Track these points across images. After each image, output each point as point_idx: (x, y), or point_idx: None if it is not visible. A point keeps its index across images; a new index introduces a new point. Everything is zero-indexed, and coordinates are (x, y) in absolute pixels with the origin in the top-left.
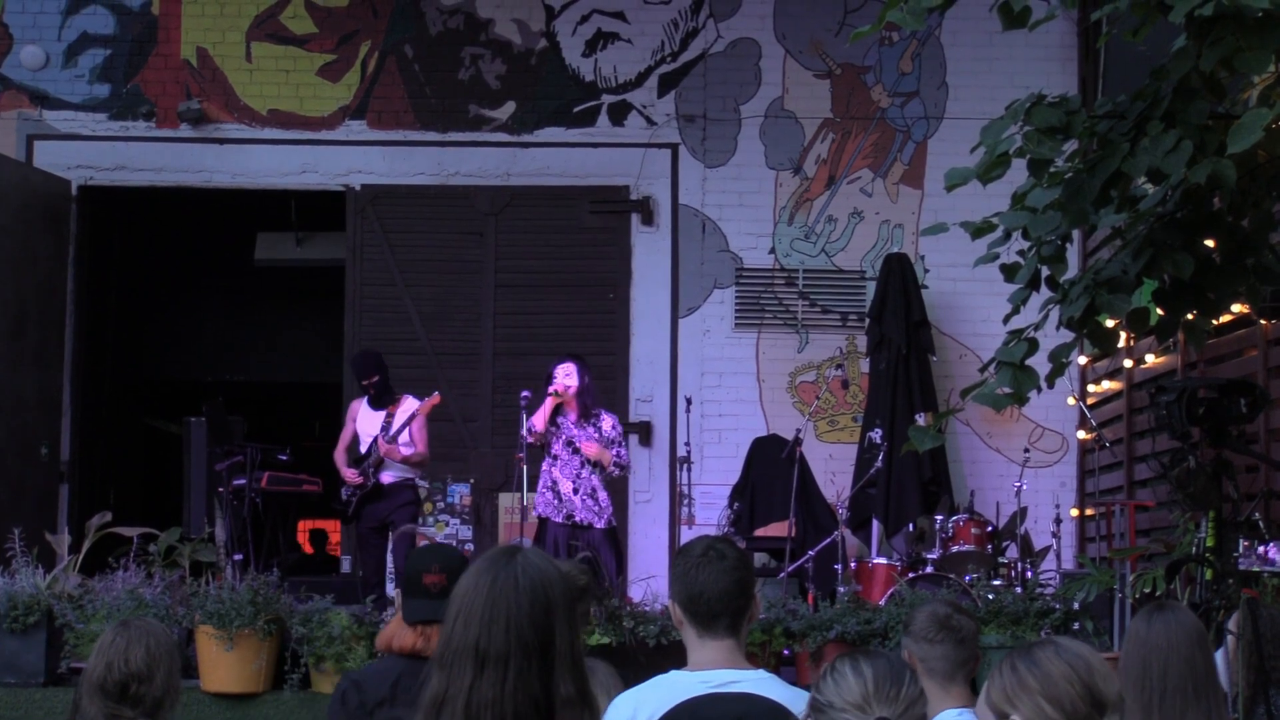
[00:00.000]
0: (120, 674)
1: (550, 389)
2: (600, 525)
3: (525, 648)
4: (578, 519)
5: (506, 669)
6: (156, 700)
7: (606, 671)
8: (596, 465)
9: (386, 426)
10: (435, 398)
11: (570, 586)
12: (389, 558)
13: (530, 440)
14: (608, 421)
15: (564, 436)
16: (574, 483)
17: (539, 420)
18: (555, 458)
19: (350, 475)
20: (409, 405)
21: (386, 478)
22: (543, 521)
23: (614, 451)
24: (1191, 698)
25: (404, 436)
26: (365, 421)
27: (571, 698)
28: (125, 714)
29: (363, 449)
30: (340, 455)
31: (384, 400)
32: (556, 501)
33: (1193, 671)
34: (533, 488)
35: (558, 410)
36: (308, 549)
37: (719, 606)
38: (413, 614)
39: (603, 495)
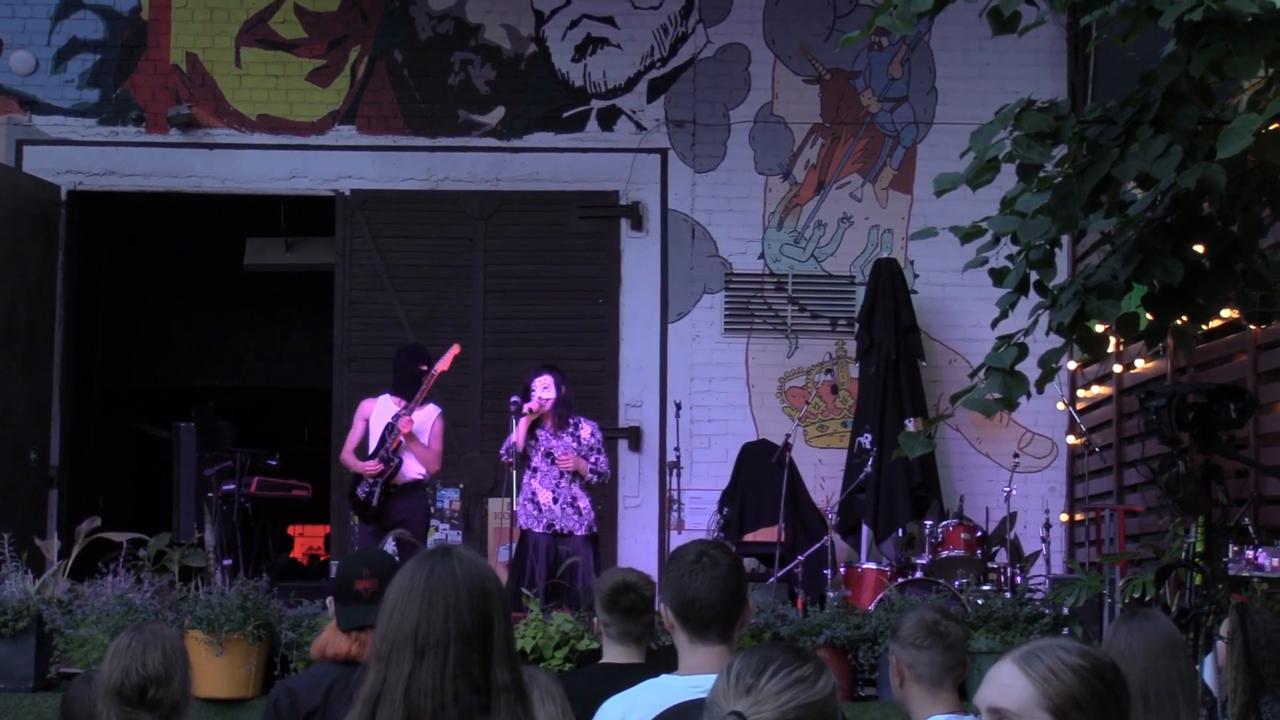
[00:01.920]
0: (139, 677)
1: (526, 407)
2: (581, 532)
3: (464, 635)
4: (558, 527)
5: (446, 655)
6: (174, 703)
7: (548, 679)
8: (575, 474)
9: (398, 415)
10: (455, 348)
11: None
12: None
13: (508, 460)
14: (586, 429)
15: (542, 448)
16: (554, 492)
17: (519, 439)
18: (535, 469)
19: (371, 466)
20: (430, 411)
21: (404, 475)
22: (525, 532)
23: (593, 459)
24: (1155, 705)
25: (415, 422)
26: (383, 417)
27: (508, 685)
28: (143, 718)
29: (372, 448)
30: (349, 456)
31: (414, 390)
32: (536, 512)
33: (1153, 681)
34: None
35: (536, 423)
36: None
37: (711, 613)
38: (348, 620)
39: (584, 503)
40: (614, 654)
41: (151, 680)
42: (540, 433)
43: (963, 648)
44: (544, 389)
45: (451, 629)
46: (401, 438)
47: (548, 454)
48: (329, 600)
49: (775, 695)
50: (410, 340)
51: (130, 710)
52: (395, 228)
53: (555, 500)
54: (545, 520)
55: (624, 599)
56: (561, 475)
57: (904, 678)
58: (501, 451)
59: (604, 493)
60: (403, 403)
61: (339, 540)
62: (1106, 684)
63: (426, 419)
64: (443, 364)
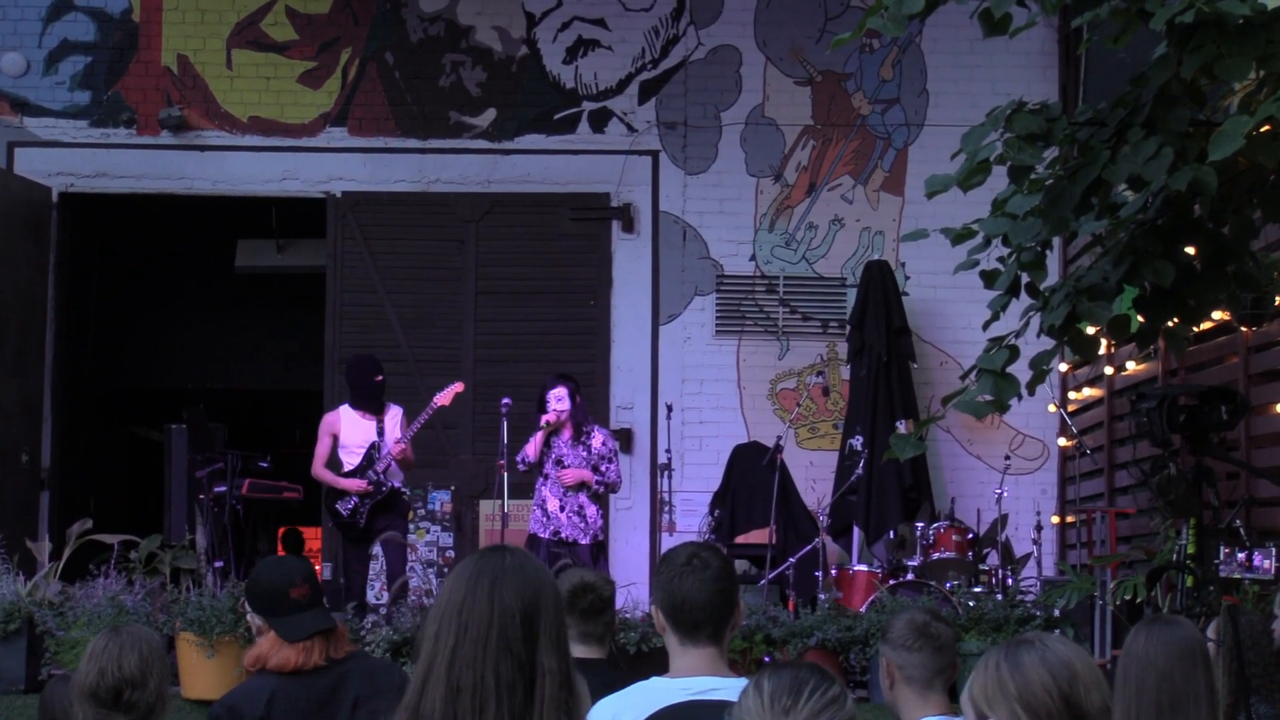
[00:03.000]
0: (114, 680)
1: (543, 420)
2: (585, 541)
3: (508, 613)
4: (563, 535)
5: (489, 630)
6: (149, 706)
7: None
8: (583, 485)
9: (381, 433)
10: (458, 386)
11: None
12: (373, 564)
13: (523, 469)
14: (598, 438)
15: (554, 455)
16: (560, 500)
17: (532, 450)
18: (545, 476)
19: (356, 484)
20: (395, 414)
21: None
22: (533, 538)
23: (604, 468)
24: (1168, 712)
25: (396, 435)
26: (352, 430)
27: (554, 670)
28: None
29: (346, 462)
30: (324, 471)
31: (374, 405)
32: (545, 519)
33: (1170, 687)
34: (515, 496)
35: (553, 432)
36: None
37: (702, 615)
38: (300, 629)
39: (590, 511)
40: (574, 653)
41: (126, 683)
42: (555, 441)
43: (953, 650)
44: (558, 401)
45: (495, 606)
46: (394, 463)
47: (559, 461)
48: (252, 615)
49: (814, 716)
50: (362, 353)
51: (104, 712)
52: (386, 229)
53: (562, 509)
54: (551, 528)
55: (583, 599)
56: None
57: (894, 679)
58: (517, 459)
59: (600, 498)
60: (368, 416)
61: (327, 543)
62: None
63: (394, 421)
64: (443, 398)
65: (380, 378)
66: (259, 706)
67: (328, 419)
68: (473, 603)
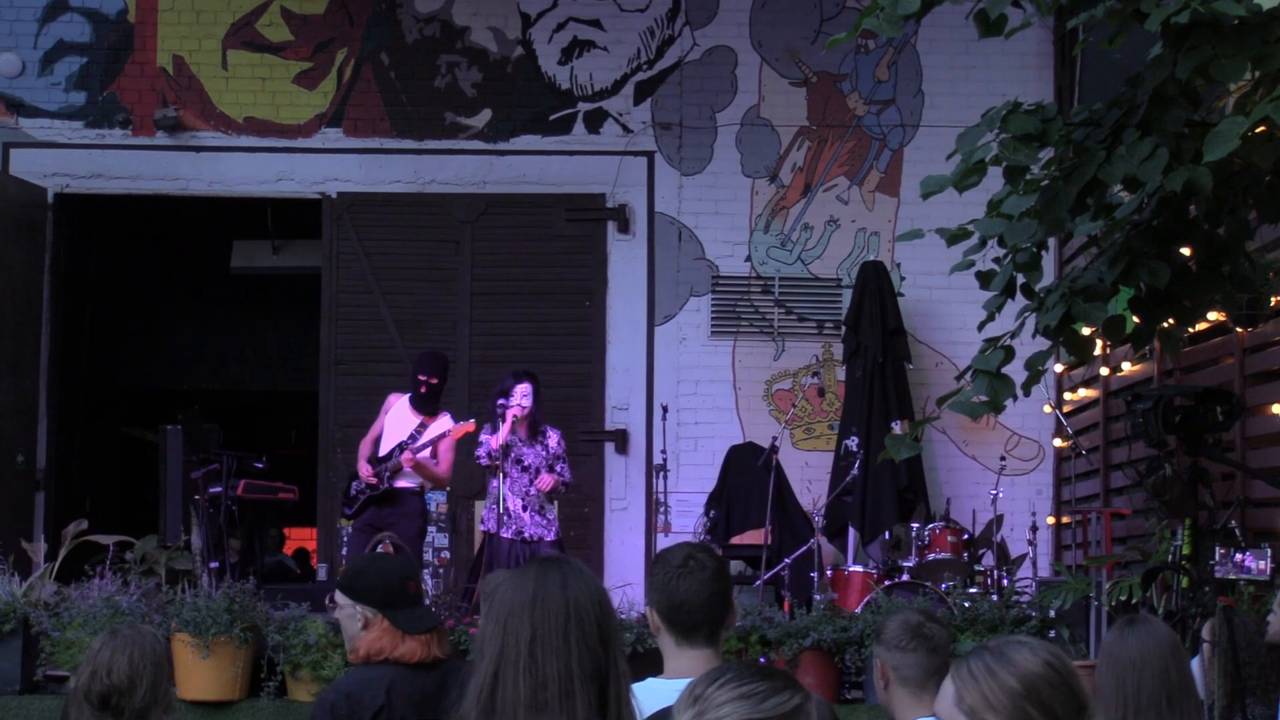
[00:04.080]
0: (102, 685)
1: (510, 412)
2: (550, 538)
3: (581, 609)
4: (527, 534)
5: (568, 622)
6: (139, 711)
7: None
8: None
9: (415, 436)
10: (469, 424)
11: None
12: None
13: (487, 464)
14: (553, 438)
15: (514, 455)
16: (523, 500)
17: (495, 443)
18: (505, 474)
19: (366, 472)
20: (444, 422)
21: (399, 482)
22: (489, 536)
23: (559, 468)
24: (1165, 710)
25: (427, 453)
26: (397, 421)
27: (625, 674)
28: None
29: (383, 449)
30: (365, 446)
31: (428, 407)
32: (506, 518)
33: (1166, 683)
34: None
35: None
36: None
37: (699, 617)
38: (420, 622)
39: (550, 512)
40: None
41: (114, 689)
42: (511, 438)
43: (947, 650)
44: (523, 396)
45: (570, 601)
46: (408, 467)
47: (518, 460)
48: (359, 608)
49: (718, 706)
50: (433, 350)
51: (96, 714)
52: (382, 230)
53: (525, 508)
54: (514, 527)
55: None
56: (531, 482)
57: (889, 680)
58: (480, 453)
59: (590, 495)
60: (418, 416)
61: (325, 543)
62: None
63: (438, 429)
64: (455, 431)
65: (432, 379)
66: (379, 695)
67: (389, 399)
68: (545, 597)
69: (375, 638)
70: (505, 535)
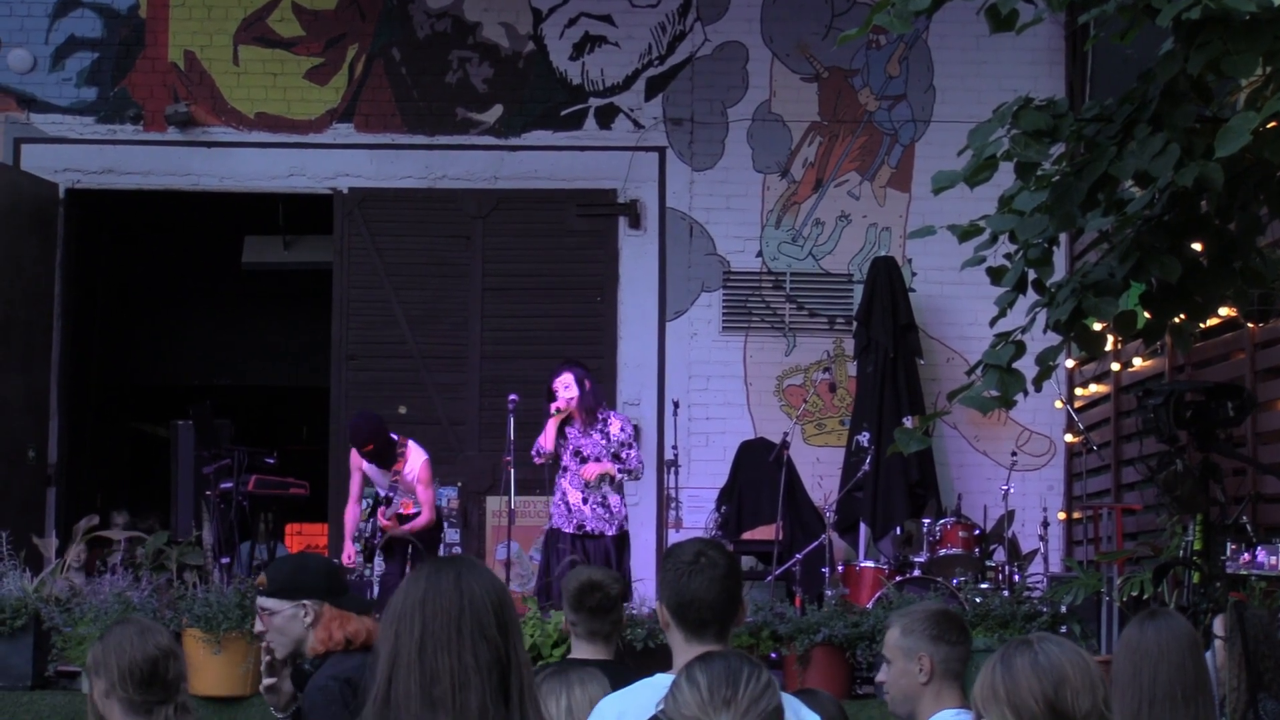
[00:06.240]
0: (152, 652)
1: (553, 408)
2: (611, 532)
3: (476, 604)
4: (588, 528)
5: (461, 617)
6: (176, 680)
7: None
8: (605, 476)
9: (394, 485)
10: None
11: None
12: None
13: (540, 462)
14: (616, 424)
15: (571, 447)
16: (583, 493)
17: (546, 441)
18: (564, 469)
19: (349, 556)
20: (414, 456)
21: (396, 532)
22: (554, 532)
23: (625, 455)
24: (1180, 704)
25: (412, 498)
26: (371, 470)
27: (526, 664)
28: (156, 697)
29: (380, 491)
30: (350, 518)
31: (388, 459)
32: (567, 513)
33: (1183, 677)
34: (522, 492)
35: (565, 421)
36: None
37: (710, 614)
38: (362, 604)
39: (614, 501)
40: (582, 651)
41: (161, 654)
42: (570, 431)
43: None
44: (565, 388)
45: (464, 595)
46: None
47: (576, 452)
48: (308, 603)
49: (754, 702)
50: (365, 411)
51: (143, 692)
52: (393, 226)
53: (585, 501)
54: (575, 521)
55: (590, 598)
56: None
57: (933, 674)
58: (532, 452)
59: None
60: (374, 469)
61: (334, 541)
62: None
63: (412, 466)
64: (420, 473)
65: (367, 446)
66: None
67: (352, 456)
68: (436, 595)
69: (341, 623)
70: (567, 530)
